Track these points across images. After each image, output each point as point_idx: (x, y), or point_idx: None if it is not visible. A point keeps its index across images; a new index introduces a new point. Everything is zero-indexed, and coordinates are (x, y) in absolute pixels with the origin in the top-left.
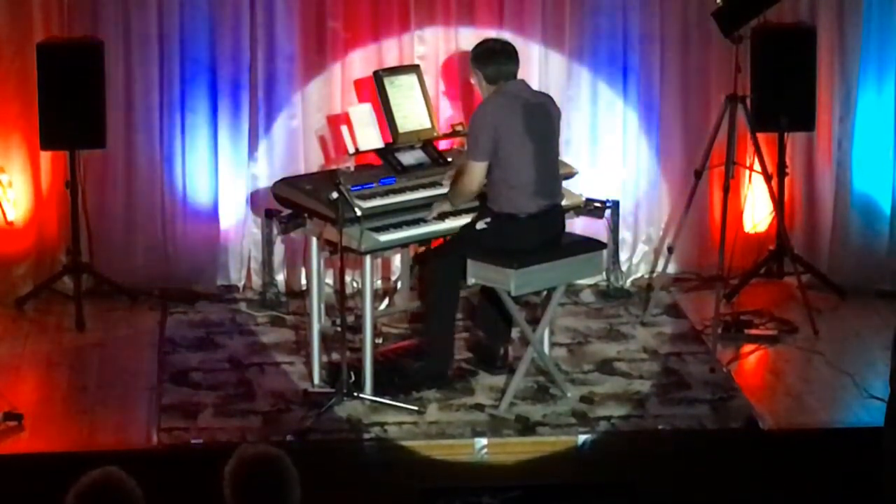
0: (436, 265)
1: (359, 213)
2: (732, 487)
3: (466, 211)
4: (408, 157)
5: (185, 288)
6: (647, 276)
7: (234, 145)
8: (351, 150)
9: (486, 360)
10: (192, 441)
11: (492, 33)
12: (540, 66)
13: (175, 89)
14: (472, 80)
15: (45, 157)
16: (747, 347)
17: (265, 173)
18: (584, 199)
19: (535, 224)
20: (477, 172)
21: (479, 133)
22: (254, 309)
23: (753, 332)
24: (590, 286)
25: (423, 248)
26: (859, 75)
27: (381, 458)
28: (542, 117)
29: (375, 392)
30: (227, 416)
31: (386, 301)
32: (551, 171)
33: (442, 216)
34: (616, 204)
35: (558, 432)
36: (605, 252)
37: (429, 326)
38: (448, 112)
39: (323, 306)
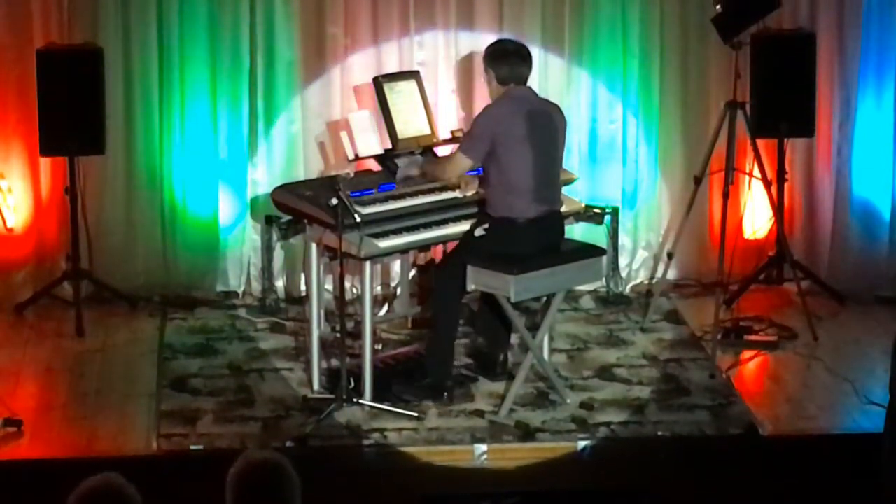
0: (437, 279)
1: (358, 219)
2: (732, 494)
3: (466, 217)
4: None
5: (185, 294)
6: (646, 282)
7: (234, 151)
8: (350, 155)
9: (486, 366)
10: (192, 447)
11: (492, 37)
12: (540, 70)
13: (174, 96)
14: (483, 78)
15: (45, 163)
16: (747, 353)
17: (265, 179)
18: (583, 205)
19: (534, 229)
20: (459, 165)
21: (478, 134)
22: (253, 315)
23: (753, 338)
24: (589, 292)
25: (427, 258)
26: (859, 81)
27: (381, 464)
28: (545, 125)
29: (375, 398)
30: (227, 423)
31: (385, 307)
32: (551, 178)
33: (441, 222)
34: (615, 210)
35: (558, 438)
36: (604, 258)
37: (429, 343)
38: (448, 118)
39: (322, 312)
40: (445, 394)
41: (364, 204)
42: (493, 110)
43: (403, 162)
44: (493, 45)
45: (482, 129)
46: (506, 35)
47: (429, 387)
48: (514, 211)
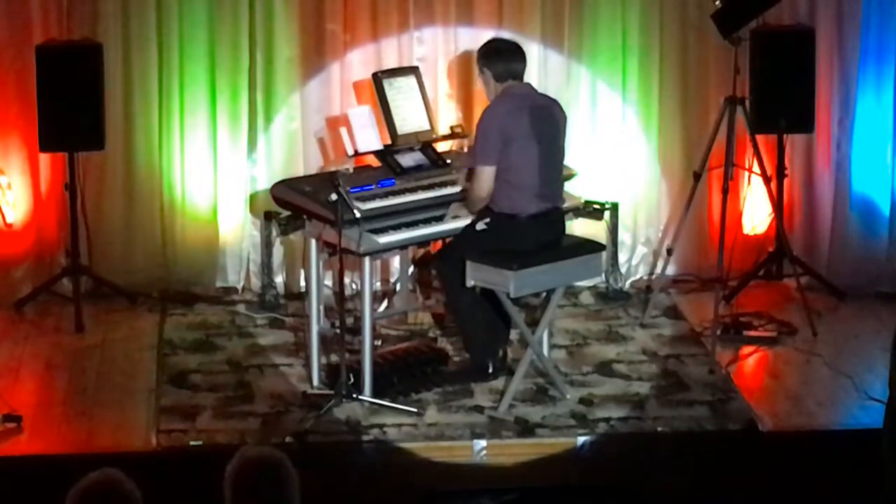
0: (441, 268)
1: (358, 214)
2: (731, 489)
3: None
4: (407, 159)
5: (184, 290)
6: (646, 278)
7: (233, 147)
8: (350, 151)
9: None
10: (191, 443)
11: (491, 33)
12: (539, 66)
13: (174, 91)
14: (480, 81)
15: (45, 159)
16: (746, 349)
17: (264, 175)
18: (583, 200)
19: (535, 225)
20: (485, 177)
21: (487, 137)
22: (253, 311)
23: (752, 333)
24: (589, 288)
25: (423, 251)
26: (858, 77)
27: (381, 459)
28: (547, 121)
29: (374, 394)
30: (226, 418)
31: (385, 303)
32: (554, 175)
33: (441, 218)
34: (615, 206)
35: (557, 434)
36: (604, 254)
37: (459, 327)
38: (447, 114)
39: (322, 308)
40: (490, 370)
41: (363, 200)
42: (494, 110)
43: (452, 208)
44: (485, 45)
45: (489, 131)
46: (504, 31)
47: (471, 368)
48: (516, 207)
